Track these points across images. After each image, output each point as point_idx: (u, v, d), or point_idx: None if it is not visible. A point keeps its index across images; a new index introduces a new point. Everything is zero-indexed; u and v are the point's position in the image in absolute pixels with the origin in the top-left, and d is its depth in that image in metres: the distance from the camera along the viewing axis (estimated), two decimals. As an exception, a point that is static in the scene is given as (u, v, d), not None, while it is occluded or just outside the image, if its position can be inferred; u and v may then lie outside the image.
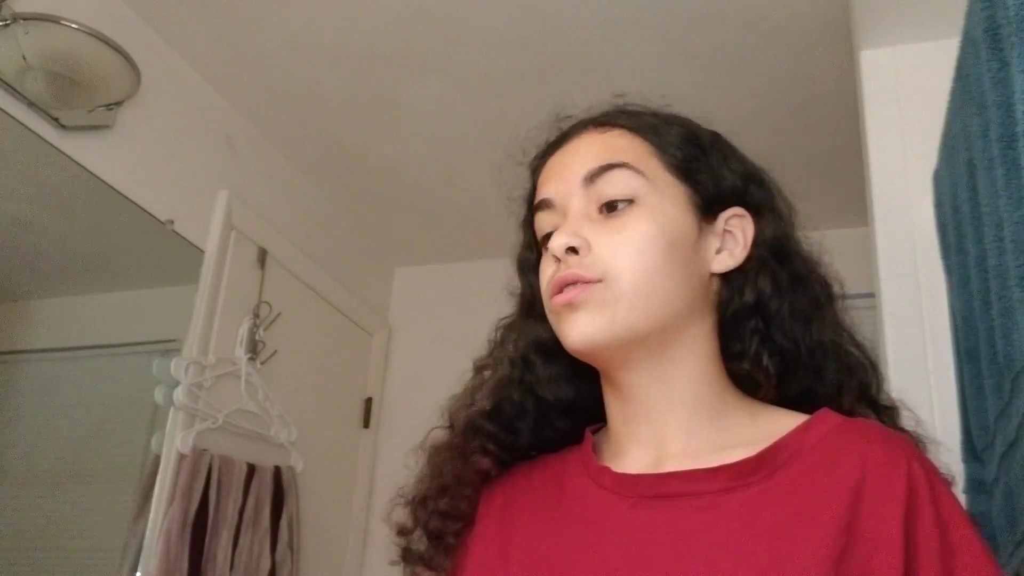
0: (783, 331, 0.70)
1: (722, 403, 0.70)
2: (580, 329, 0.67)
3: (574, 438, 0.77)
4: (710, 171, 0.73)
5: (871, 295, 1.46)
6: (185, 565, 1.63)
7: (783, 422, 0.67)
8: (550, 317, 0.71)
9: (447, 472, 0.78)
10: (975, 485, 0.93)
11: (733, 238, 0.72)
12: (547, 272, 0.71)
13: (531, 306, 0.79)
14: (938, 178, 1.06)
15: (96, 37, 1.47)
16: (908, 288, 1.35)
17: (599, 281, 0.66)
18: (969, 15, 0.82)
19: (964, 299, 0.93)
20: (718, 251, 0.71)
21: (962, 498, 0.94)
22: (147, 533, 1.63)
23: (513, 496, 0.75)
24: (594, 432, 0.76)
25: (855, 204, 1.74)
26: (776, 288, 0.71)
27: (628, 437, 0.71)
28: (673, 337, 0.69)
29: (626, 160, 0.70)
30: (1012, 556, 0.77)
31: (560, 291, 0.68)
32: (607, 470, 0.69)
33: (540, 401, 0.78)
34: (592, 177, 0.70)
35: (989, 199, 0.77)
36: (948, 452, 0.73)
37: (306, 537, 2.10)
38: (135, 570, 1.60)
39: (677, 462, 0.67)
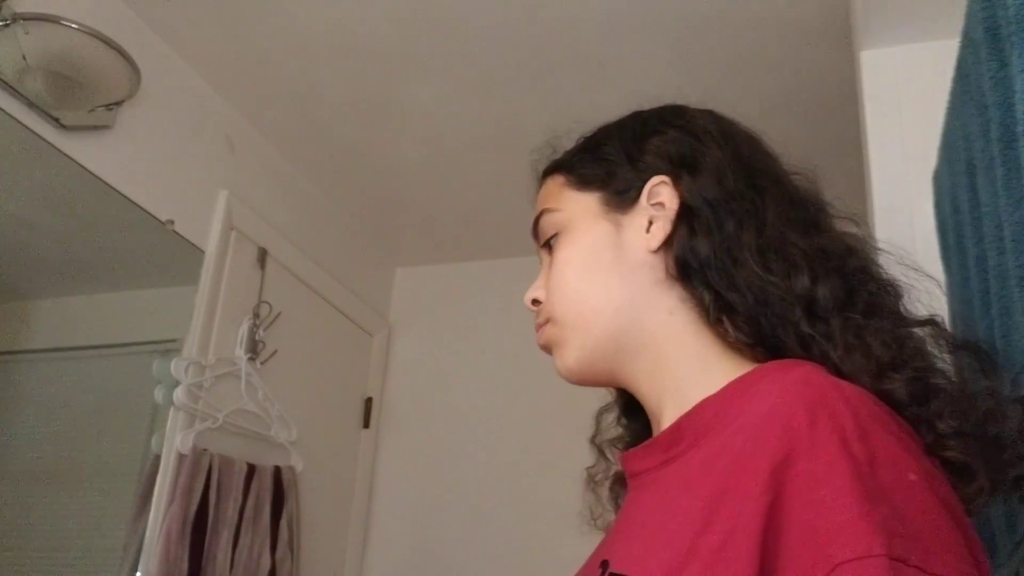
0: (726, 280, 0.66)
1: (710, 367, 0.66)
2: (558, 367, 0.74)
3: None
4: (623, 161, 0.74)
5: (871, 295, 1.46)
6: (185, 565, 1.63)
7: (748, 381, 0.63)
8: None
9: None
10: (975, 485, 0.93)
11: (661, 207, 0.71)
12: None
13: None
14: (938, 178, 1.06)
15: (96, 37, 1.47)
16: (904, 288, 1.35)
17: (546, 322, 0.74)
18: (969, 15, 0.82)
19: (964, 299, 0.93)
20: (648, 229, 0.71)
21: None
22: (147, 533, 1.63)
23: None
24: None
25: (855, 204, 1.74)
26: (707, 238, 0.68)
27: (652, 421, 0.74)
28: (639, 328, 0.70)
29: (544, 206, 0.77)
30: (1011, 557, 0.77)
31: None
32: (623, 456, 0.74)
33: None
34: (534, 234, 0.78)
35: (989, 199, 0.77)
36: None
37: (306, 537, 2.10)
38: (135, 570, 1.60)
39: None
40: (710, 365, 0.67)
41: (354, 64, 1.88)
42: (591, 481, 0.85)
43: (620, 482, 0.81)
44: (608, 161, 0.75)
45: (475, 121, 2.04)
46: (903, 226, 1.39)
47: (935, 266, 1.08)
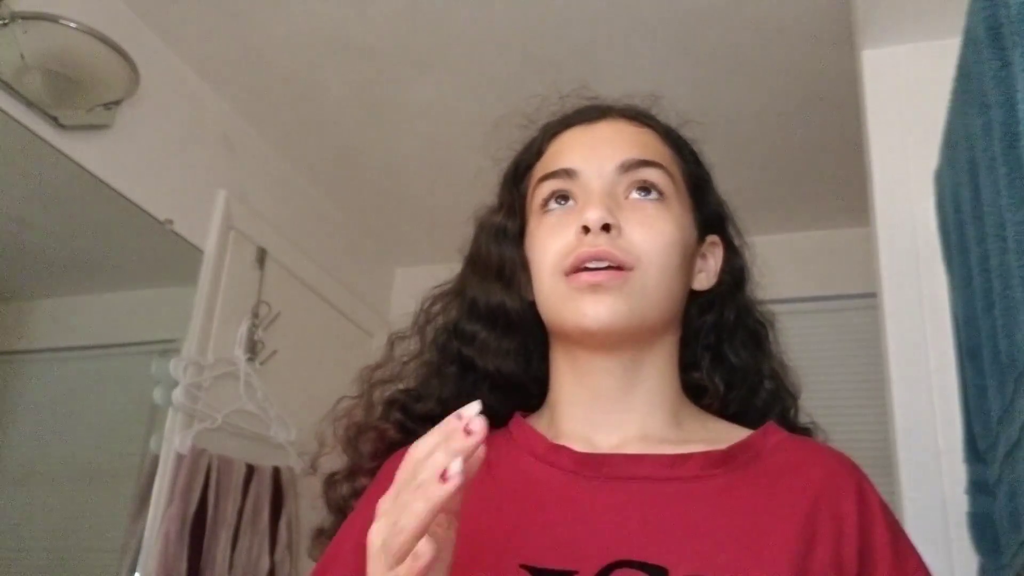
0: (733, 352, 0.77)
1: (678, 406, 0.73)
2: (600, 312, 0.66)
3: (492, 419, 0.75)
4: (710, 195, 0.78)
5: (872, 295, 1.46)
6: (184, 565, 1.63)
7: (732, 430, 0.72)
8: (554, 290, 0.69)
9: (359, 450, 0.78)
10: (978, 486, 0.92)
11: (706, 262, 0.77)
12: (558, 242, 0.69)
13: (499, 272, 0.77)
14: (940, 177, 1.06)
15: (95, 36, 1.47)
16: (909, 288, 1.35)
17: (631, 269, 0.66)
18: (971, 14, 0.82)
19: (966, 299, 0.92)
20: (699, 271, 0.76)
21: (964, 499, 0.94)
22: (146, 533, 1.62)
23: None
24: (523, 416, 0.75)
25: (856, 204, 1.74)
26: (732, 313, 0.77)
27: (585, 422, 0.70)
28: (656, 338, 0.71)
29: (662, 162, 0.72)
30: (1015, 557, 0.77)
31: (581, 267, 0.66)
32: (570, 450, 0.68)
33: (469, 372, 0.77)
34: (629, 167, 0.70)
35: (991, 199, 0.77)
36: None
37: (305, 538, 2.09)
38: (134, 570, 1.60)
39: (636, 449, 0.68)
40: (678, 400, 0.74)
41: (354, 64, 1.87)
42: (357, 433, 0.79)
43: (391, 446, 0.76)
44: (710, 191, 0.78)
45: (475, 121, 2.04)
46: (905, 226, 1.39)
47: (937, 266, 1.07)
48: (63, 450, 1.58)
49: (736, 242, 0.80)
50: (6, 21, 1.38)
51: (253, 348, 1.97)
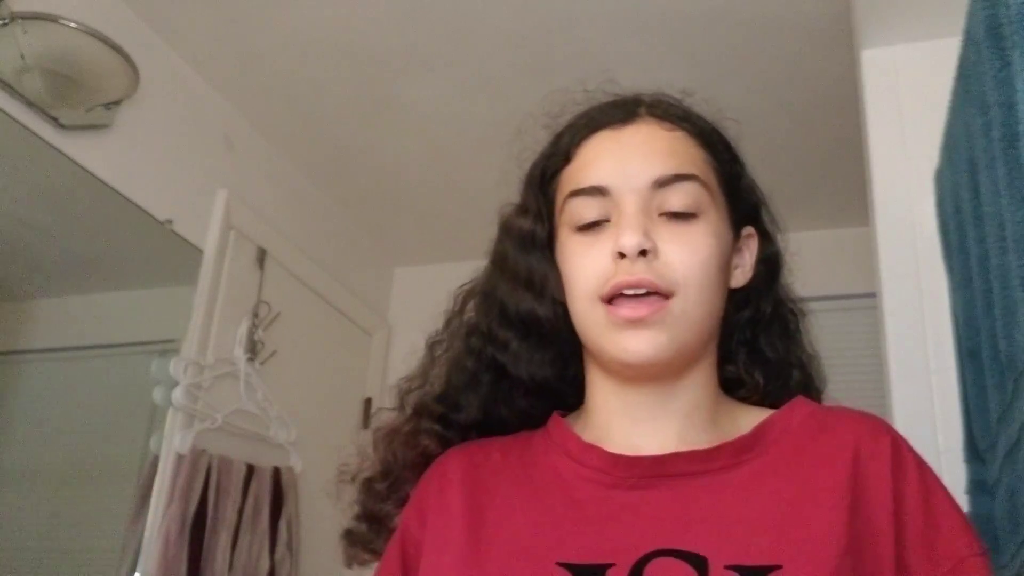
0: (770, 345, 0.76)
1: (715, 406, 0.71)
2: (641, 347, 0.64)
3: (529, 420, 0.76)
4: (744, 189, 0.75)
5: (872, 295, 1.46)
6: (184, 566, 1.63)
7: (764, 415, 0.71)
8: (591, 316, 0.67)
9: (394, 457, 0.77)
10: (977, 486, 0.92)
11: (741, 257, 0.74)
12: (593, 265, 0.67)
13: (528, 281, 0.75)
14: (939, 177, 1.06)
15: (95, 36, 1.47)
16: (909, 288, 1.35)
17: (670, 296, 0.64)
18: (970, 14, 0.82)
19: (966, 299, 0.92)
20: (735, 267, 0.73)
21: (964, 499, 0.94)
22: (146, 533, 1.62)
23: (476, 474, 0.71)
24: (562, 416, 0.75)
25: (856, 203, 1.73)
26: (768, 305, 0.76)
27: (621, 430, 0.70)
28: (701, 350, 0.70)
29: (696, 173, 0.68)
30: (1014, 557, 0.77)
31: (618, 295, 0.64)
32: (602, 451, 0.68)
33: (503, 378, 0.76)
34: (663, 183, 0.67)
35: (991, 199, 0.77)
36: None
37: (305, 538, 2.09)
38: (134, 570, 1.60)
39: (672, 451, 0.67)
40: (716, 394, 0.72)
41: (354, 64, 1.87)
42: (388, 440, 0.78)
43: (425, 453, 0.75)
44: (745, 183, 0.75)
45: (475, 121, 2.04)
46: (904, 226, 1.39)
47: (937, 266, 1.07)
48: (63, 450, 1.58)
49: (770, 229, 0.77)
50: (6, 21, 1.38)
51: (253, 348, 1.97)
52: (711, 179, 0.70)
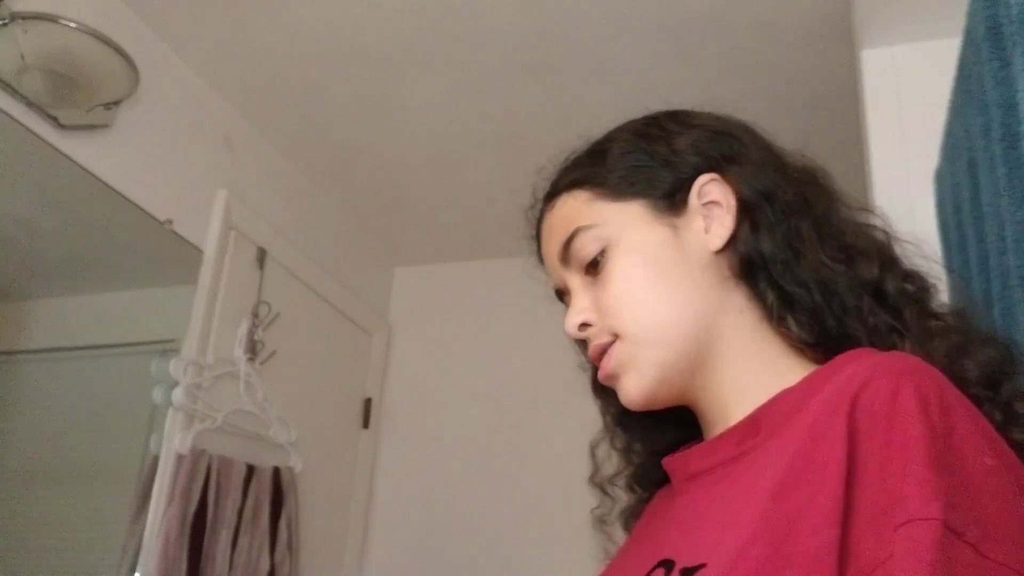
0: (786, 276, 0.66)
1: (774, 369, 0.65)
2: (629, 395, 0.68)
3: None
4: (656, 167, 0.70)
5: (872, 295, 1.46)
6: (184, 566, 1.63)
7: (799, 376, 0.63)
8: None
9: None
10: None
11: (716, 205, 0.69)
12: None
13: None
14: (939, 178, 1.06)
15: (95, 36, 1.47)
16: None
17: (614, 340, 0.67)
18: (971, 14, 0.82)
19: (966, 299, 0.92)
20: (707, 229, 0.68)
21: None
22: (146, 534, 1.62)
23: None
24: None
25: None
26: (761, 233, 0.67)
27: (707, 429, 0.71)
28: (715, 333, 0.66)
29: (577, 225, 0.70)
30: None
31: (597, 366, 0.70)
32: (665, 461, 0.71)
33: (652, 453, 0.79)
34: (564, 258, 0.71)
35: (991, 199, 0.77)
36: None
37: (305, 538, 2.09)
38: (134, 570, 1.60)
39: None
40: (780, 365, 0.66)
41: (354, 64, 1.87)
42: (599, 523, 0.81)
43: (634, 515, 0.80)
44: (641, 167, 0.70)
45: (475, 121, 2.04)
46: (904, 226, 1.38)
47: (936, 266, 1.07)
48: (63, 450, 1.58)
49: (737, 159, 0.70)
50: (6, 21, 1.38)
51: (253, 348, 1.97)
52: (596, 210, 0.70)
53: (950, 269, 1.01)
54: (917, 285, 0.68)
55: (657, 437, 0.78)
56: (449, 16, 1.71)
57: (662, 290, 0.66)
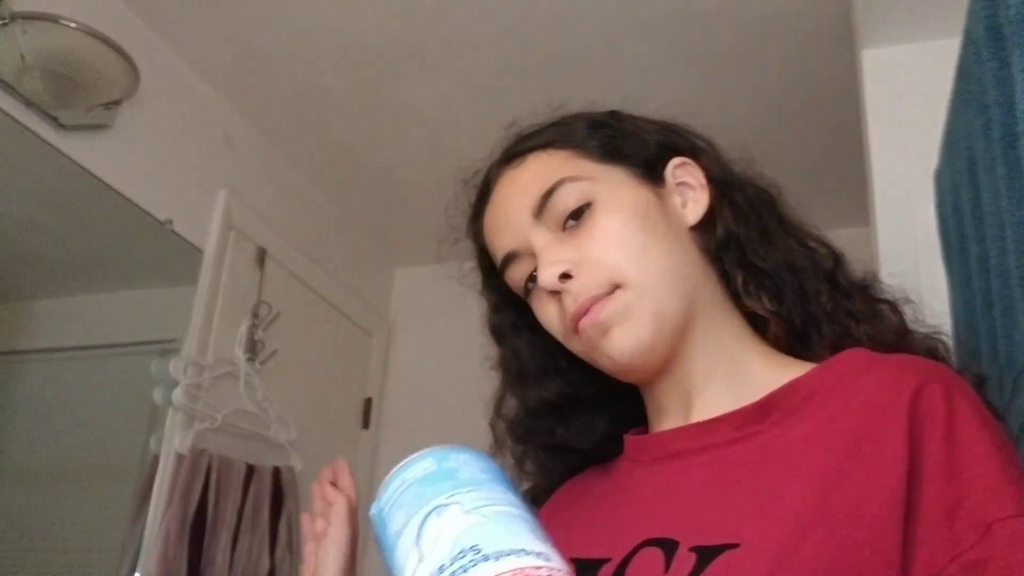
0: (758, 255, 0.69)
1: (740, 351, 0.68)
2: (621, 347, 0.64)
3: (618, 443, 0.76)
4: (630, 141, 0.72)
5: (872, 295, 1.46)
6: (184, 566, 1.63)
7: (805, 368, 0.65)
8: (576, 348, 0.69)
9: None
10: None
11: (689, 186, 0.71)
12: (551, 313, 0.69)
13: (522, 371, 0.78)
14: (939, 178, 1.06)
15: (95, 36, 1.47)
16: (909, 288, 1.35)
17: (613, 291, 0.64)
18: (970, 14, 0.82)
19: (965, 299, 0.92)
20: (683, 205, 0.71)
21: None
22: (146, 533, 1.62)
23: (568, 494, 0.76)
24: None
25: (856, 204, 1.73)
26: (738, 216, 0.70)
27: (660, 410, 0.70)
28: (699, 296, 0.67)
29: (561, 177, 0.68)
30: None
31: (579, 319, 0.65)
32: (631, 438, 0.71)
33: (569, 452, 0.77)
34: (539, 209, 0.68)
35: (991, 199, 0.77)
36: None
37: (305, 538, 2.09)
38: (134, 570, 1.60)
39: (699, 417, 0.66)
40: (753, 338, 0.69)
41: (354, 64, 1.87)
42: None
43: (548, 491, 0.77)
44: (615, 138, 0.71)
45: (475, 121, 2.04)
46: (904, 226, 1.39)
47: (937, 266, 1.07)
48: (63, 450, 1.58)
49: (697, 149, 0.74)
50: (6, 21, 1.38)
51: (253, 348, 1.97)
52: (580, 166, 0.69)
53: (950, 269, 1.01)
54: (863, 274, 0.72)
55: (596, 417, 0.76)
56: (449, 16, 1.71)
57: (655, 244, 0.66)
